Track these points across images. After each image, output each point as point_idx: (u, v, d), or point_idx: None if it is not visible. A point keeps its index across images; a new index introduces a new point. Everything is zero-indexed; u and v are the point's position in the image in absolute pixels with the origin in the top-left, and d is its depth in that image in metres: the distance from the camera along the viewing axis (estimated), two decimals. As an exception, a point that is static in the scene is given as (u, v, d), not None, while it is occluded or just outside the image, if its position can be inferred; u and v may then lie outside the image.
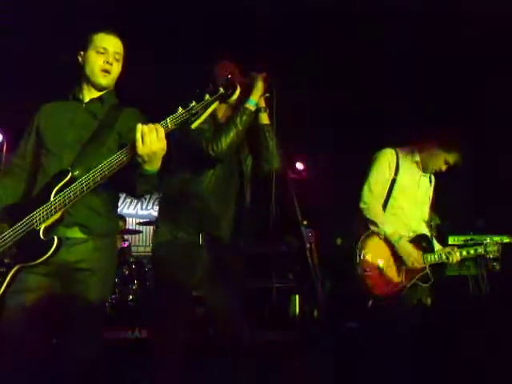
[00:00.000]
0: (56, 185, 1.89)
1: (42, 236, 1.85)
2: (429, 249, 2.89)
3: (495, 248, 3.01)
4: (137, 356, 3.63)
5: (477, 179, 5.09)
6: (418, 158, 2.91)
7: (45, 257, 1.83)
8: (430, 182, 3.07)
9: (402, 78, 4.69)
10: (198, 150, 2.17)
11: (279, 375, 3.06)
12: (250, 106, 2.22)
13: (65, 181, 1.88)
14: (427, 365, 2.63)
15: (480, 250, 2.99)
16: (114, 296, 4.12)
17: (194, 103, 1.77)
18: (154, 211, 7.69)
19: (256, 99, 2.24)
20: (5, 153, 5.55)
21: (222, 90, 1.80)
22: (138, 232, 6.34)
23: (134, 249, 6.13)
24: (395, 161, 2.86)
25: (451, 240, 5.12)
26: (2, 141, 5.73)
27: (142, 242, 7.28)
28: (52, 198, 1.86)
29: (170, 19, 4.08)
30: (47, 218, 1.86)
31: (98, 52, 2.02)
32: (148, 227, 6.95)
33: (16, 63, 4.31)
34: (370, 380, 2.65)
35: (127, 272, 4.41)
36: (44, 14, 3.82)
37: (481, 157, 4.76)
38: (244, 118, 2.19)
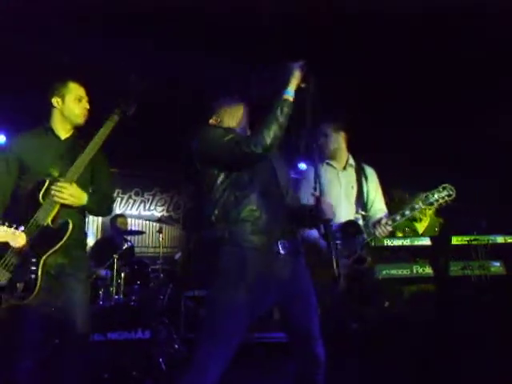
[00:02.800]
0: (40, 191, 2.25)
1: (51, 225, 2.21)
2: (356, 232, 2.85)
3: (442, 194, 2.72)
4: (139, 356, 3.64)
5: (481, 181, 5.08)
6: (327, 159, 3.07)
7: (63, 240, 2.19)
8: (364, 173, 3.07)
9: (402, 79, 4.69)
10: (235, 156, 2.03)
11: (279, 375, 3.06)
12: (289, 96, 2.06)
13: (46, 186, 2.25)
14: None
15: (419, 203, 2.73)
16: (116, 296, 4.13)
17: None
18: (156, 212, 7.70)
19: (294, 89, 2.08)
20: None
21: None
22: (141, 233, 6.36)
23: (137, 249, 6.14)
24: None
25: (454, 240, 5.12)
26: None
27: (144, 243, 7.31)
28: (42, 201, 2.23)
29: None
30: (48, 214, 2.21)
31: (76, 99, 2.50)
32: (151, 228, 6.96)
33: (16, 63, 4.33)
34: (370, 379, 2.64)
35: (130, 273, 4.41)
36: (44, 14, 3.84)
37: (481, 158, 4.76)
38: (285, 109, 2.02)
